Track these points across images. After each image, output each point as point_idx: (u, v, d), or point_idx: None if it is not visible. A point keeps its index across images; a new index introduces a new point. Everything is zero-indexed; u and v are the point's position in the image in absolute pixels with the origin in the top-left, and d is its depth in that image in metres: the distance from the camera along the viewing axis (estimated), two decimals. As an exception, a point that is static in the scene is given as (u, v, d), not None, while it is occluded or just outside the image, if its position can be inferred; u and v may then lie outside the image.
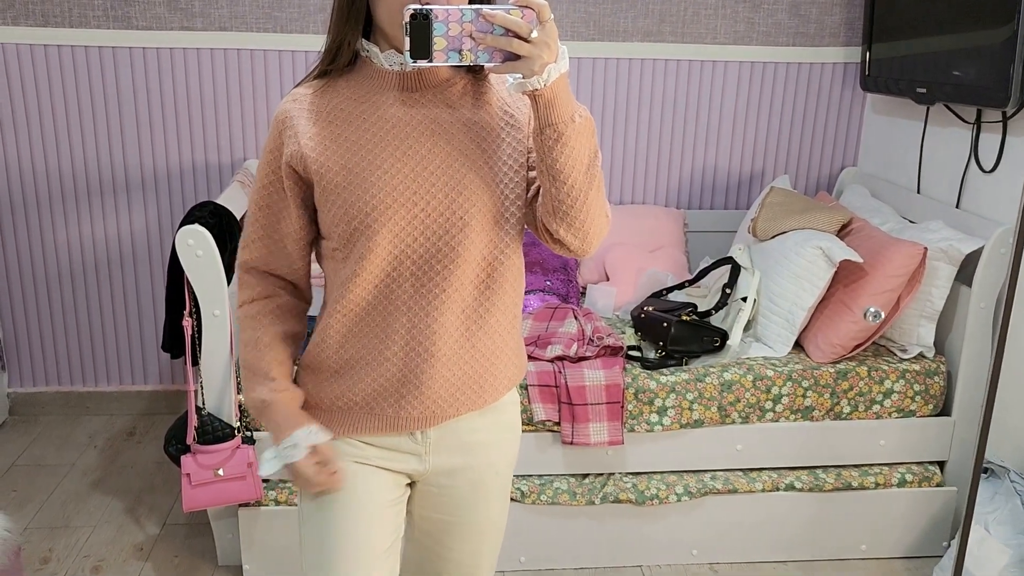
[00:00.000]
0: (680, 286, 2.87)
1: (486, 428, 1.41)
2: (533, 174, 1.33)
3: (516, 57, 1.14)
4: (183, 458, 2.18)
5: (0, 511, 1.56)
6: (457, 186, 1.26)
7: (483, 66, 1.22)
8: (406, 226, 1.25)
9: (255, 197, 1.36)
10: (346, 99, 1.30)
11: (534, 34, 1.12)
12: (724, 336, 2.51)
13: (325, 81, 1.32)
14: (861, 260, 2.43)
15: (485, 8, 1.13)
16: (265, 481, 2.33)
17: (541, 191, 1.28)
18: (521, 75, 1.15)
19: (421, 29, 1.11)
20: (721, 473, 2.47)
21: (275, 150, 1.32)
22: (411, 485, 1.44)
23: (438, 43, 1.12)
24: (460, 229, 1.27)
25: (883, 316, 2.39)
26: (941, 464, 2.54)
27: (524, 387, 2.38)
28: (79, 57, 2.99)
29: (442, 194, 1.26)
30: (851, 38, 3.17)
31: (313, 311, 2.49)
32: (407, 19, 1.11)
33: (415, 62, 1.13)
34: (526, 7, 1.12)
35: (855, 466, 2.51)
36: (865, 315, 2.33)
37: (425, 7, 1.12)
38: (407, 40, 1.11)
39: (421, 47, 1.12)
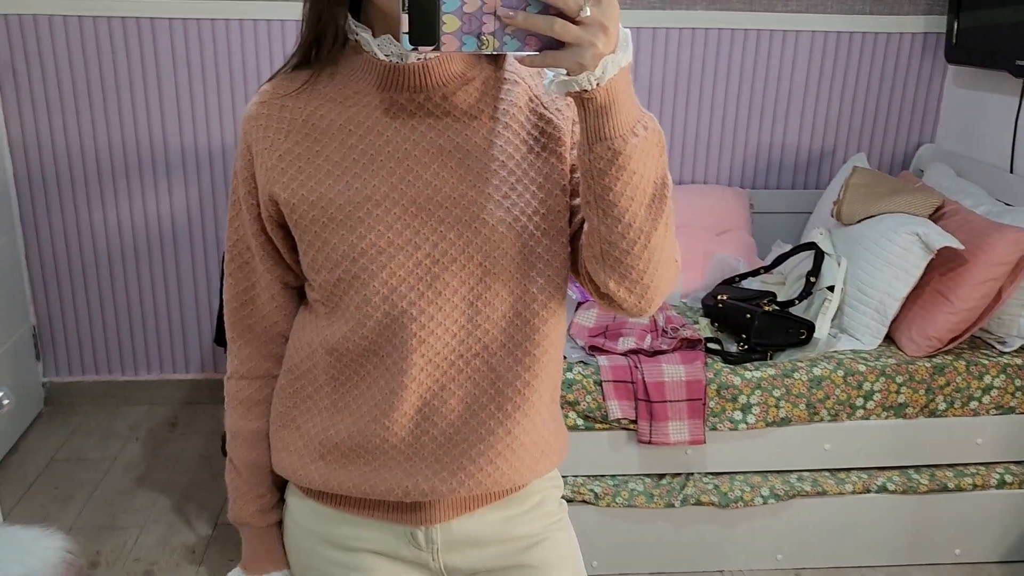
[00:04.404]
0: (754, 273, 2.71)
1: (505, 518, 1.10)
2: (577, 202, 1.01)
3: (559, 44, 0.82)
4: (243, 461, 2.05)
5: (61, 532, 1.43)
6: (474, 222, 0.96)
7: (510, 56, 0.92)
8: (407, 276, 0.97)
9: (233, 235, 1.07)
10: (326, 101, 0.99)
11: (585, 12, 0.80)
12: (810, 328, 2.35)
13: (305, 76, 1.00)
14: (962, 247, 2.26)
15: None
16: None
17: (586, 228, 0.95)
18: (565, 70, 0.83)
19: (425, 2, 0.80)
20: (809, 474, 2.32)
21: (249, 173, 1.03)
22: None
23: (449, 23, 0.80)
24: (479, 279, 0.98)
25: None
26: (1041, 464, 2.39)
27: (598, 383, 2.23)
28: (116, 29, 2.82)
29: (454, 233, 0.96)
30: (933, 6, 2.97)
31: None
32: None
33: (415, 49, 0.81)
34: None
35: (950, 466, 2.36)
36: None
37: None
38: (405, 18, 0.79)
39: (424, 28, 0.80)
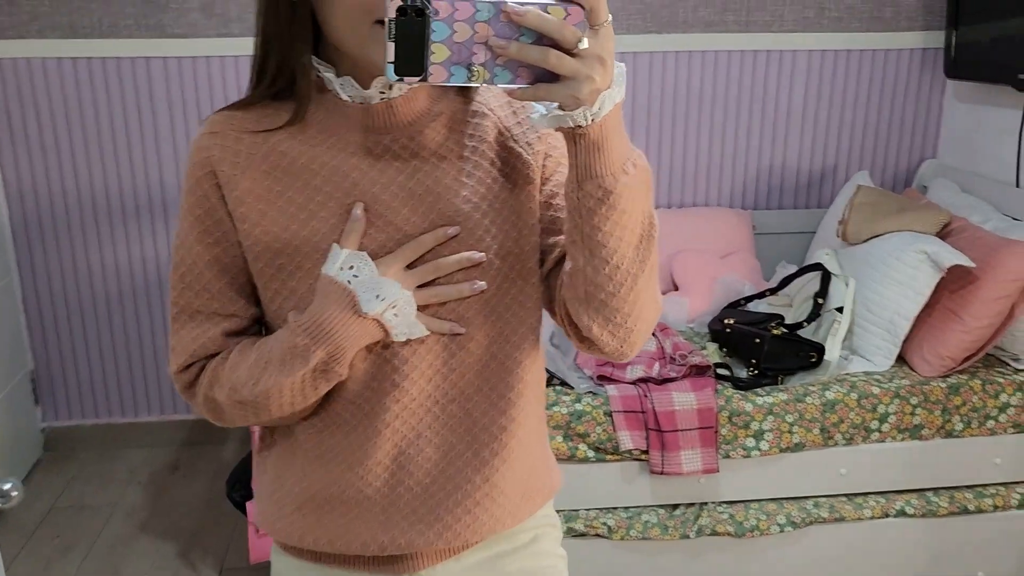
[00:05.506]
0: (760, 295, 2.68)
1: (494, 556, 1.06)
2: (551, 240, 0.98)
3: (553, 77, 0.77)
4: (248, 505, 2.00)
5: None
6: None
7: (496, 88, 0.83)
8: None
9: (181, 278, 0.99)
10: (286, 138, 0.93)
11: (583, 43, 0.75)
12: (821, 351, 2.31)
13: (263, 106, 0.94)
14: (973, 265, 2.23)
15: (510, 1, 0.75)
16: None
17: (569, 268, 0.91)
18: (558, 104, 0.79)
19: (413, 29, 0.74)
20: (825, 500, 2.27)
21: (202, 211, 0.94)
22: None
23: (437, 52, 0.75)
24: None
25: None
26: (1062, 482, 2.34)
27: (608, 414, 2.19)
28: (110, 69, 2.80)
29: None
30: (931, 21, 2.96)
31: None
32: (392, 15, 0.74)
33: (401, 79, 0.75)
34: (573, 2, 0.75)
35: (969, 487, 2.31)
36: None
37: None
38: (391, 47, 0.74)
39: (411, 58, 0.74)
